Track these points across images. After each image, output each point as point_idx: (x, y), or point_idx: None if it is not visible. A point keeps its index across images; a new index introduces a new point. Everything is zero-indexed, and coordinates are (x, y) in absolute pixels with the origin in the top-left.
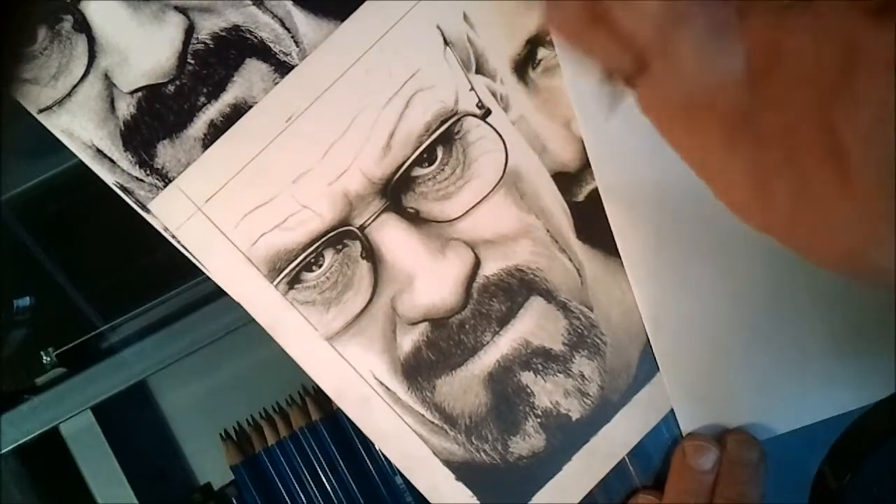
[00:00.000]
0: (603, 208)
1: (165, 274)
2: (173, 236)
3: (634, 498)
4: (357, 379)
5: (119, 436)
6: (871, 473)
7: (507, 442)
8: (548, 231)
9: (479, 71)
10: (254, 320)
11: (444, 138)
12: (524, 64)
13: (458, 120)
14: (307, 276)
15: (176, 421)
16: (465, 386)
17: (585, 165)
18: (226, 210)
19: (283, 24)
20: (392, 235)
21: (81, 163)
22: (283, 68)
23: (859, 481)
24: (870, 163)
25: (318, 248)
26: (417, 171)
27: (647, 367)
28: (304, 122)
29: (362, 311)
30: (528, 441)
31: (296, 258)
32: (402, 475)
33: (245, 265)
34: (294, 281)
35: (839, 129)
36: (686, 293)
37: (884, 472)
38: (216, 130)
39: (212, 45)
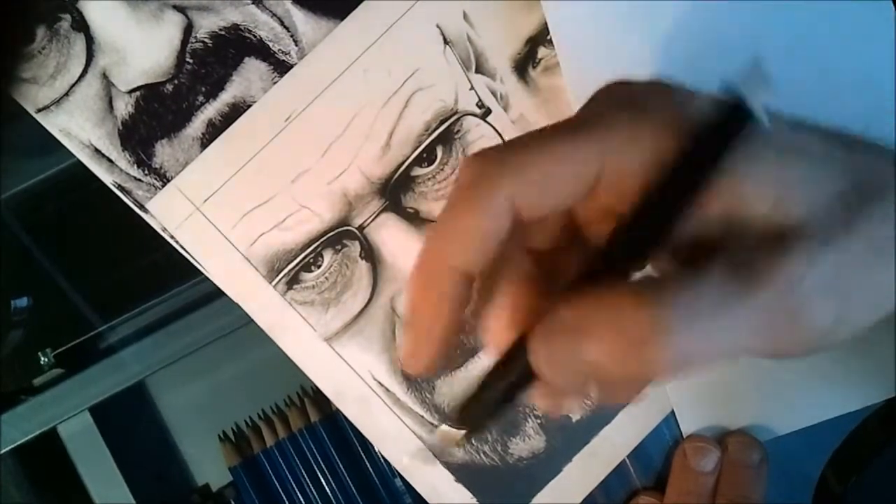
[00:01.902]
0: None
1: (164, 274)
2: (171, 236)
3: (635, 499)
4: (356, 379)
5: (117, 437)
6: (874, 478)
7: (506, 443)
8: None
9: (478, 70)
10: (252, 321)
11: (444, 138)
12: (524, 63)
13: (458, 119)
14: (306, 276)
15: (174, 422)
16: (464, 387)
17: None
18: (224, 210)
19: (282, 23)
20: (391, 235)
21: (79, 162)
22: (281, 67)
23: (862, 485)
24: None
25: (317, 248)
26: (417, 171)
27: None
28: (302, 122)
29: (361, 311)
30: (528, 442)
31: (294, 258)
32: (401, 477)
33: (243, 265)
34: (293, 281)
35: None
36: None
37: (886, 477)
38: (215, 130)
39: (210, 44)
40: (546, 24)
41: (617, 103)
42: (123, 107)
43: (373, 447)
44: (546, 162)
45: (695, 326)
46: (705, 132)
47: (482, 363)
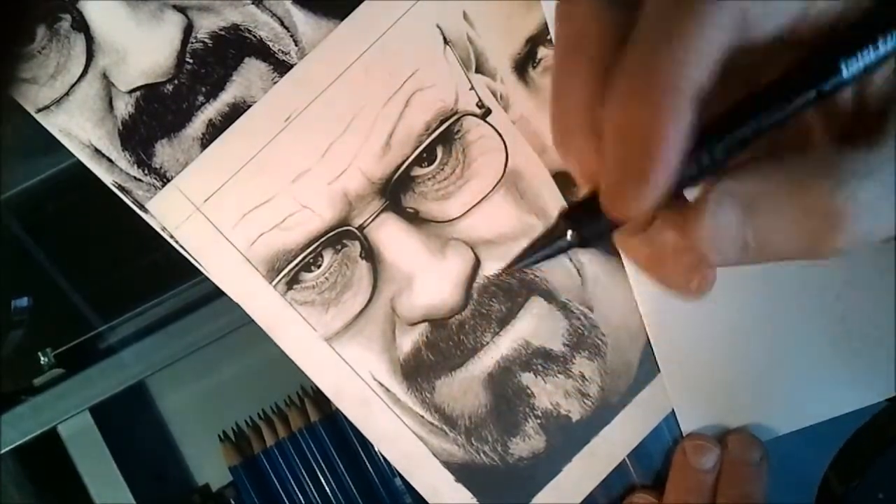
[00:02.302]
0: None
1: (164, 274)
2: (171, 236)
3: (630, 497)
4: (356, 380)
5: (117, 437)
6: (876, 479)
7: (506, 443)
8: None
9: (479, 70)
10: (253, 321)
11: (444, 138)
12: (524, 63)
13: (458, 119)
14: (306, 276)
15: (174, 422)
16: (464, 387)
17: None
18: (224, 210)
19: (282, 23)
20: (391, 235)
21: (79, 162)
22: (281, 67)
23: (864, 486)
24: None
25: (317, 248)
26: (417, 171)
27: (648, 367)
28: (303, 122)
29: (361, 311)
30: (528, 442)
31: (295, 258)
32: (401, 477)
33: (243, 265)
34: (293, 281)
35: None
36: None
37: (888, 478)
38: (215, 130)
39: (210, 45)
40: (546, 23)
41: None
42: (123, 107)
43: (373, 447)
44: None
45: (883, 205)
46: None
47: (482, 363)
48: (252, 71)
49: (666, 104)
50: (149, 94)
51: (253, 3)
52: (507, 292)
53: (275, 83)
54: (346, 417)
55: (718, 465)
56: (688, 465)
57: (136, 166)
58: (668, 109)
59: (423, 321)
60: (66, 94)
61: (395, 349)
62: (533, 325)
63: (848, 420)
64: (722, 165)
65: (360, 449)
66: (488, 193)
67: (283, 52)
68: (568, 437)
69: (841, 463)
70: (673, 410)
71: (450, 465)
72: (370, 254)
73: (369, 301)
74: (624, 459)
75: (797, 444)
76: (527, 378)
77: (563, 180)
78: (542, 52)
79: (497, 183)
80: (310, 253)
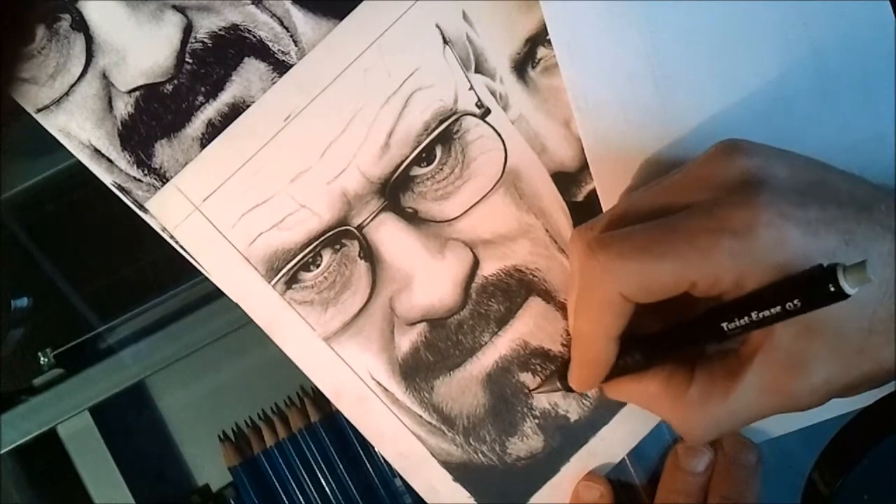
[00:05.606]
0: (601, 209)
1: (163, 274)
2: (171, 236)
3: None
4: (355, 379)
5: (117, 437)
6: (861, 479)
7: (504, 443)
8: (547, 231)
9: (478, 70)
10: (252, 321)
11: (443, 137)
12: (524, 63)
13: (457, 119)
14: (305, 275)
15: (174, 422)
16: (463, 387)
17: (584, 165)
18: (223, 209)
19: (281, 23)
20: (390, 235)
21: (79, 162)
22: (281, 67)
23: (849, 487)
24: None
25: (315, 247)
26: (416, 171)
27: None
28: (302, 122)
29: (360, 311)
30: (526, 442)
31: (293, 258)
32: (400, 477)
33: (242, 265)
34: (292, 281)
35: None
36: None
37: (873, 478)
38: (214, 130)
39: (210, 45)
40: (545, 23)
41: (727, 225)
42: (123, 107)
43: (373, 447)
44: (652, 273)
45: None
46: (795, 289)
47: (480, 363)
48: (251, 71)
49: (598, 345)
50: (148, 94)
51: (252, 3)
52: (506, 292)
53: (274, 83)
54: (345, 417)
55: (710, 469)
56: (679, 467)
57: (135, 166)
58: (599, 347)
59: (422, 321)
60: (66, 94)
61: (394, 349)
62: (531, 325)
63: (842, 420)
64: (640, 366)
65: (360, 449)
66: (487, 193)
67: (282, 52)
68: (566, 437)
69: (825, 464)
70: None
71: (448, 465)
72: (369, 253)
73: (368, 301)
74: (623, 459)
75: (790, 444)
76: (525, 378)
77: (562, 180)
78: (542, 52)
79: (496, 183)
80: (309, 252)
